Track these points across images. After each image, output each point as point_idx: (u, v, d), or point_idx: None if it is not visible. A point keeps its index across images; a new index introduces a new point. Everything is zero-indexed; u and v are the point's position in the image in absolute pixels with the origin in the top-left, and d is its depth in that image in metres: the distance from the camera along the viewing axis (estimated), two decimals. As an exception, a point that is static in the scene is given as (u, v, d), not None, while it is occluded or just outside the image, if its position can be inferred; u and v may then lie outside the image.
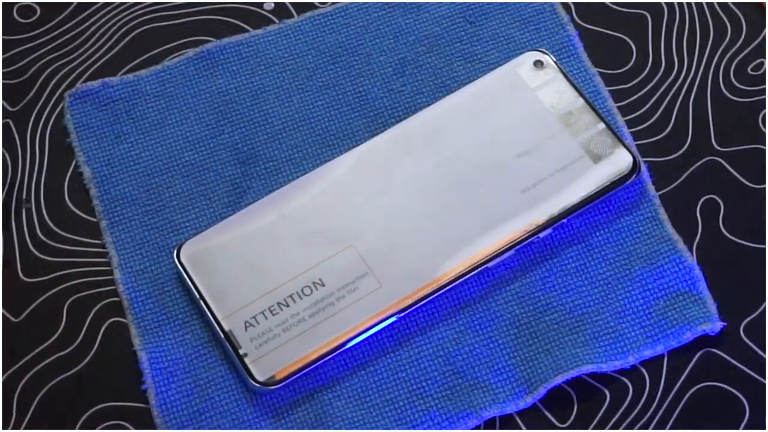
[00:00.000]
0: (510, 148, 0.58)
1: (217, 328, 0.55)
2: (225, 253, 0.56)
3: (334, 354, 0.54)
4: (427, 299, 0.55)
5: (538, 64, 0.60)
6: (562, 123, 0.59)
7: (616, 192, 0.58)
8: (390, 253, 0.56)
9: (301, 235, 0.56)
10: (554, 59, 0.60)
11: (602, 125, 0.58)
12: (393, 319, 0.55)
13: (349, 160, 0.58)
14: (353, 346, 0.55)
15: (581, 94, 0.59)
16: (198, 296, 0.55)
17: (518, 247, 0.56)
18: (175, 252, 0.56)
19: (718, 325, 0.55)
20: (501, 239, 0.56)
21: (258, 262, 0.56)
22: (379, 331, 0.55)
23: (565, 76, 0.60)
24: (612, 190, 0.57)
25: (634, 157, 0.58)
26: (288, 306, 0.55)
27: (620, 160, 0.58)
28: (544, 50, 0.60)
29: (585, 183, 0.57)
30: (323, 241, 0.56)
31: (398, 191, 0.57)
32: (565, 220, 0.57)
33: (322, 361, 0.54)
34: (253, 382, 0.53)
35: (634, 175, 0.57)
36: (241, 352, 0.54)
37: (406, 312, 0.55)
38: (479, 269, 0.56)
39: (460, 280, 0.55)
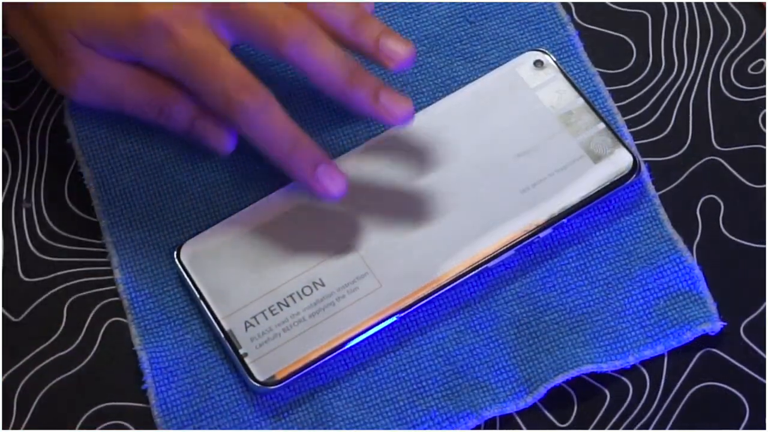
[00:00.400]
0: (510, 148, 0.58)
1: (218, 328, 0.55)
2: (225, 252, 0.56)
3: (335, 354, 0.54)
4: (427, 299, 0.55)
5: (538, 63, 0.60)
6: (562, 123, 0.59)
7: (617, 192, 0.58)
8: (390, 253, 0.56)
9: (301, 235, 0.56)
10: (554, 59, 0.60)
11: (602, 125, 0.58)
12: (393, 319, 0.55)
13: (348, 161, 0.58)
14: (353, 346, 0.55)
15: (581, 94, 0.59)
16: (198, 296, 0.55)
17: (518, 247, 0.56)
18: (175, 252, 0.56)
19: (718, 325, 0.55)
20: (501, 239, 0.56)
21: (258, 262, 0.56)
22: (379, 331, 0.55)
23: (565, 76, 0.60)
24: (612, 190, 0.57)
25: (634, 157, 0.58)
26: (288, 306, 0.55)
27: (620, 160, 0.58)
28: (544, 50, 0.60)
29: (585, 183, 0.57)
30: (323, 241, 0.56)
31: (398, 191, 0.57)
32: (565, 220, 0.57)
33: (322, 361, 0.54)
34: (254, 382, 0.53)
35: (634, 175, 0.57)
36: (241, 351, 0.54)
37: (406, 312, 0.55)
38: (479, 269, 0.56)
39: (460, 280, 0.55)
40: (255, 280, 0.55)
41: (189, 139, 0.58)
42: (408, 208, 0.57)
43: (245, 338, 0.54)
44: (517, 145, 0.58)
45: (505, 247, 0.56)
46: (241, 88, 0.54)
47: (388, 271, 0.55)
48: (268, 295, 0.55)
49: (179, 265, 0.56)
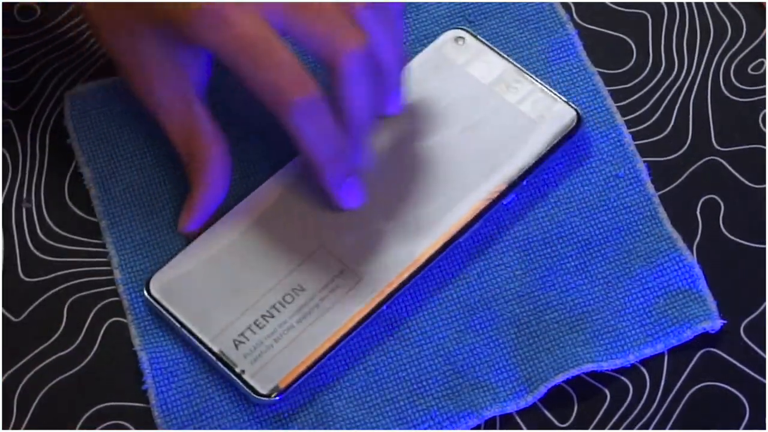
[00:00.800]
0: (453, 125, 0.58)
1: (208, 353, 0.54)
2: (197, 277, 0.55)
3: (332, 352, 0.54)
4: (409, 283, 0.55)
5: (460, 40, 0.60)
6: (498, 91, 0.59)
7: (615, 190, 0.58)
8: (361, 246, 0.56)
9: (270, 246, 0.56)
10: (473, 33, 0.60)
11: (537, 85, 0.59)
12: (381, 307, 0.54)
13: (299, 164, 0.58)
14: (352, 346, 0.55)
15: (509, 61, 0.60)
16: (179, 326, 0.54)
17: (485, 216, 0.57)
18: (144, 288, 0.55)
19: (719, 323, 0.55)
20: (466, 213, 0.56)
21: (233, 280, 0.55)
22: (379, 331, 0.55)
23: (489, 46, 0.60)
24: (561, 145, 0.58)
25: (574, 109, 0.58)
26: (273, 317, 0.54)
27: (562, 115, 0.58)
28: (462, 27, 0.61)
29: (534, 143, 0.58)
30: (293, 247, 0.56)
31: None
32: (524, 182, 0.57)
33: (322, 362, 0.54)
34: (258, 396, 0.53)
35: (579, 127, 0.58)
36: (237, 369, 0.53)
37: (391, 299, 0.55)
38: (452, 245, 0.56)
39: (436, 259, 0.55)
40: (233, 298, 0.55)
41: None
42: (369, 199, 0.57)
43: (238, 356, 0.54)
44: (459, 121, 0.58)
45: (472, 219, 0.56)
46: (295, 84, 0.51)
47: (364, 264, 0.55)
48: (250, 310, 0.54)
49: (152, 301, 0.55)
